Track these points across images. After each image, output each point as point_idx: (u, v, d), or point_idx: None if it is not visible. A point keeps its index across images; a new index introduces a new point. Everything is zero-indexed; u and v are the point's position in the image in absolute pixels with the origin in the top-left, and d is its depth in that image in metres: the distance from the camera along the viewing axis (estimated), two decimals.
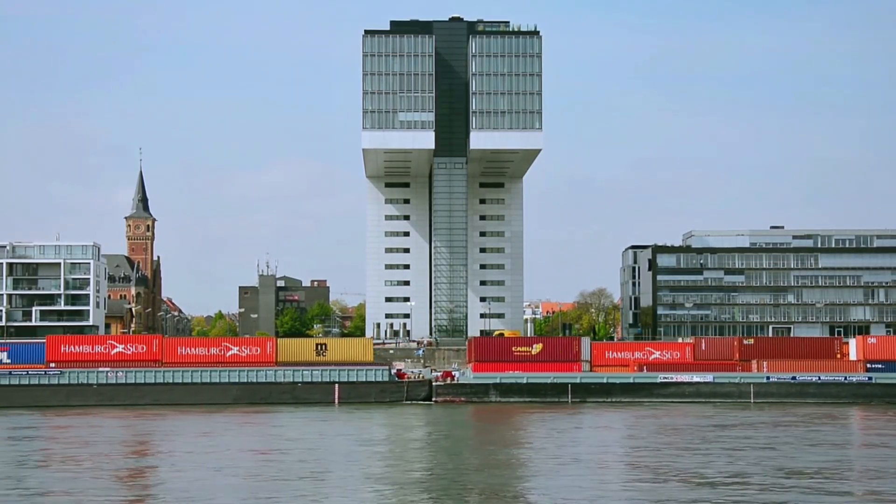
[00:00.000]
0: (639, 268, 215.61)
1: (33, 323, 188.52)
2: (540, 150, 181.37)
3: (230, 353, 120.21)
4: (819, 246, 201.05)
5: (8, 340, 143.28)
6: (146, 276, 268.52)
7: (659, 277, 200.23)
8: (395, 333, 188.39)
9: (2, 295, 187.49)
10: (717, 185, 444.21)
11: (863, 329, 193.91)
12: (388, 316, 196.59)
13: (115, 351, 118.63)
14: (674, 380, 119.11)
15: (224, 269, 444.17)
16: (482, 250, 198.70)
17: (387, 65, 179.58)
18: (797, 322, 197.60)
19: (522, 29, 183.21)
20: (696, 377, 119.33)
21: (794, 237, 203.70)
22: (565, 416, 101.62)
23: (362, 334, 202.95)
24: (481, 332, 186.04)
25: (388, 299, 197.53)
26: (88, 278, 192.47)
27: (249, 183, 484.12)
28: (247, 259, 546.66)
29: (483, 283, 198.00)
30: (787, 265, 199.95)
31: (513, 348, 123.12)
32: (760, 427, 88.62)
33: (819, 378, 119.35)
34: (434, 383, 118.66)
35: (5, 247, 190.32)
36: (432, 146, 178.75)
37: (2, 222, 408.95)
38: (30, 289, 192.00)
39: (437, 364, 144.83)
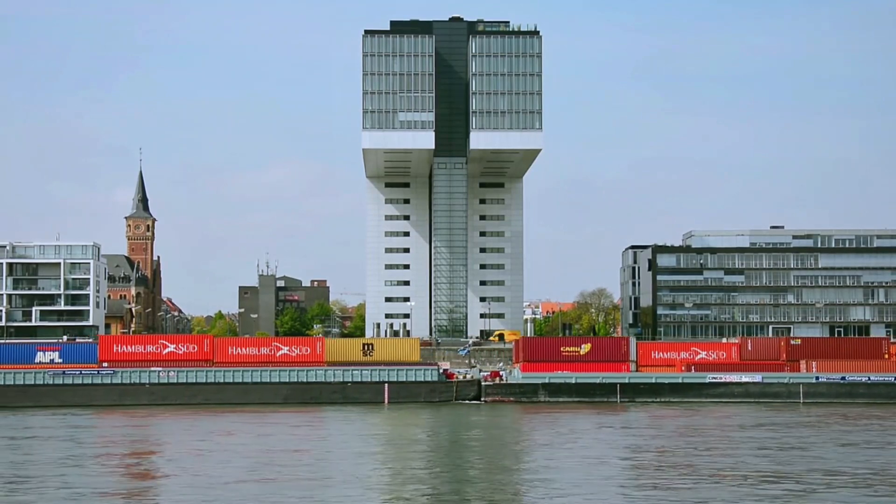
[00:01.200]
0: (639, 268, 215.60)
1: (33, 323, 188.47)
2: (540, 150, 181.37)
3: (280, 352, 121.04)
4: (819, 246, 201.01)
5: (61, 340, 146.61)
6: (146, 276, 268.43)
7: (659, 277, 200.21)
8: (395, 333, 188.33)
9: (2, 295, 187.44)
10: (717, 185, 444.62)
11: (863, 329, 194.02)
12: (388, 316, 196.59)
13: (166, 351, 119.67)
14: (722, 380, 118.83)
15: (224, 269, 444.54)
16: (482, 250, 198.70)
17: (387, 65, 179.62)
18: (797, 322, 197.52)
19: (522, 29, 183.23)
20: (745, 377, 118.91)
21: (794, 237, 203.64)
22: (621, 415, 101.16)
23: (362, 334, 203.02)
24: (481, 332, 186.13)
25: (388, 299, 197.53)
26: (88, 278, 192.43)
27: (249, 183, 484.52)
28: (247, 259, 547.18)
29: (483, 283, 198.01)
30: (787, 265, 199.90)
31: (561, 348, 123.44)
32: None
33: (869, 378, 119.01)
34: (483, 383, 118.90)
35: (5, 247, 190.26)
36: (432, 146, 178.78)
37: (2, 222, 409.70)
38: (30, 289, 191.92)
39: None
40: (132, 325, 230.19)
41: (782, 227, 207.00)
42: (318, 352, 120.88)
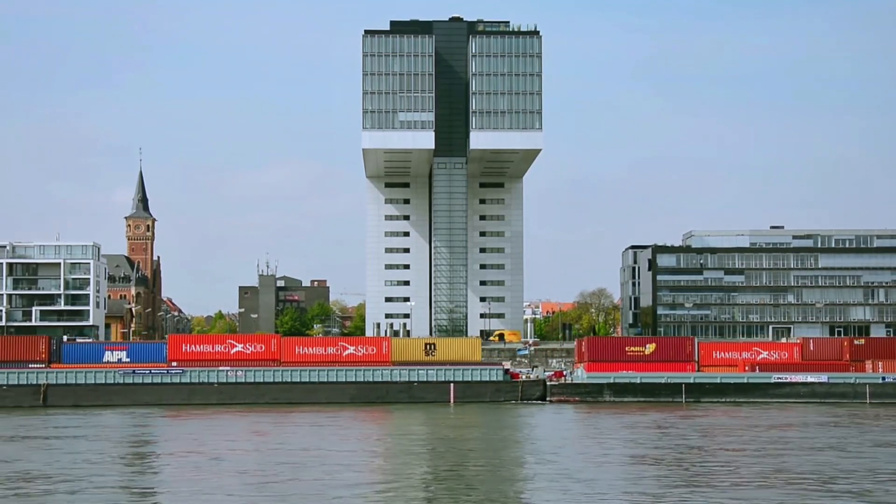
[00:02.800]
0: (639, 268, 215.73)
1: (33, 323, 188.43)
2: (540, 150, 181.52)
3: (346, 352, 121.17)
4: (819, 246, 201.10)
5: (128, 341, 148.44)
6: (146, 276, 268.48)
7: (659, 277, 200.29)
8: (395, 333, 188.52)
9: (2, 295, 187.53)
10: (717, 185, 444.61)
11: (863, 329, 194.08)
12: (388, 316, 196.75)
13: (234, 350, 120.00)
14: (788, 380, 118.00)
15: (224, 269, 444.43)
16: (482, 250, 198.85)
17: (387, 65, 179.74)
18: (797, 322, 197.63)
19: (522, 29, 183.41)
20: (811, 377, 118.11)
21: (794, 237, 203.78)
22: (689, 416, 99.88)
23: (362, 334, 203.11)
24: (481, 332, 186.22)
25: (388, 299, 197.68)
26: (88, 278, 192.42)
27: (249, 183, 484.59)
28: (247, 259, 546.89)
29: (483, 283, 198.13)
30: (787, 265, 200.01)
31: (626, 348, 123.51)
32: None
33: None
34: (548, 383, 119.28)
35: (5, 247, 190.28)
36: (432, 146, 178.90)
37: (2, 222, 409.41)
38: (30, 289, 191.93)
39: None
40: (132, 325, 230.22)
41: (782, 227, 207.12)
42: (385, 352, 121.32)
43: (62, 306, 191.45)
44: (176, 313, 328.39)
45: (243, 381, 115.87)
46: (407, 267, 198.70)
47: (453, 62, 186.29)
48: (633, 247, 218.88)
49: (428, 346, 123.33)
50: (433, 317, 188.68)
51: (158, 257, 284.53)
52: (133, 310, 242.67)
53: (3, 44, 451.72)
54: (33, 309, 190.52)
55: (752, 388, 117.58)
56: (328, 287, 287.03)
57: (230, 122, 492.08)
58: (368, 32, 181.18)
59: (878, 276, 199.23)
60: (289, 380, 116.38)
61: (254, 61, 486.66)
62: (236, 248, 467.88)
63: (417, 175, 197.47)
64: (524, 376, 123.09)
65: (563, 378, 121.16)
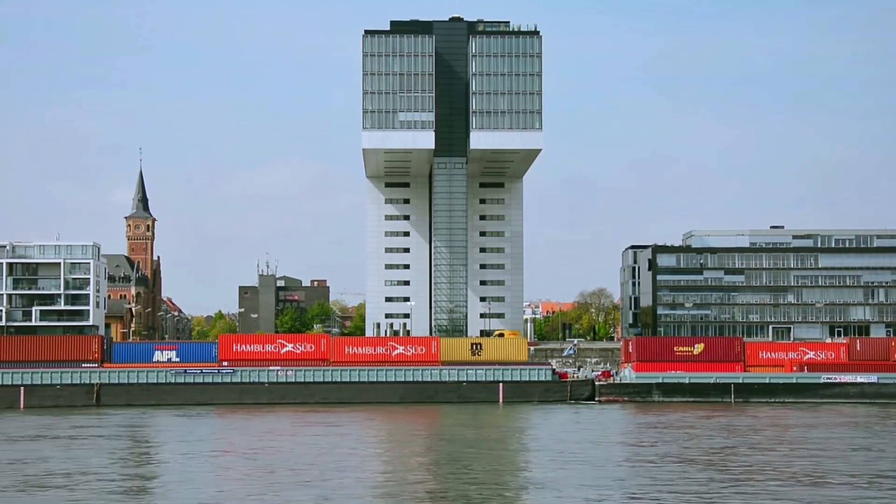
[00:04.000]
0: (639, 268, 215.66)
1: (33, 323, 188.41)
2: (540, 150, 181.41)
3: (396, 352, 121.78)
4: (819, 246, 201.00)
5: (178, 341, 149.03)
6: (146, 276, 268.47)
7: (659, 277, 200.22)
8: (395, 333, 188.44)
9: (2, 295, 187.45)
10: (717, 185, 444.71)
11: (863, 329, 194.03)
12: (388, 316, 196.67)
13: (284, 350, 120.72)
14: (837, 380, 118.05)
15: (224, 269, 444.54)
16: (482, 250, 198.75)
17: (387, 65, 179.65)
18: (797, 322, 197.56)
19: (522, 29, 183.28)
20: (860, 377, 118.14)
21: (794, 237, 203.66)
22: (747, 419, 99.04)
23: (362, 334, 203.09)
24: (481, 332, 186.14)
25: (388, 299, 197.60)
26: (88, 278, 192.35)
27: (249, 183, 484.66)
28: (247, 259, 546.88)
29: (483, 283, 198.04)
30: (787, 265, 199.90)
31: (674, 348, 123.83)
32: None
33: None
34: (597, 383, 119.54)
35: (5, 247, 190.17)
36: (432, 146, 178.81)
37: (2, 222, 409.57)
38: (30, 289, 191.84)
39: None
40: (132, 325, 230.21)
41: (782, 227, 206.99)
42: (434, 351, 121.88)
43: (62, 306, 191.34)
44: (176, 313, 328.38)
45: (293, 380, 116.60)
46: (407, 267, 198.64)
47: (453, 62, 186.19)
48: (633, 247, 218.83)
49: (474, 346, 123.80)
50: (433, 317, 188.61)
51: (158, 257, 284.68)
52: (133, 310, 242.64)
53: (3, 44, 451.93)
54: (33, 309, 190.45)
55: (802, 388, 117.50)
56: (328, 287, 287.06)
57: (230, 122, 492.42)
58: (368, 32, 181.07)
59: (878, 276, 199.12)
60: (338, 379, 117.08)
61: (254, 62, 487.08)
62: (236, 248, 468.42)
63: (417, 175, 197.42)
64: (572, 376, 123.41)
65: (610, 378, 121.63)
